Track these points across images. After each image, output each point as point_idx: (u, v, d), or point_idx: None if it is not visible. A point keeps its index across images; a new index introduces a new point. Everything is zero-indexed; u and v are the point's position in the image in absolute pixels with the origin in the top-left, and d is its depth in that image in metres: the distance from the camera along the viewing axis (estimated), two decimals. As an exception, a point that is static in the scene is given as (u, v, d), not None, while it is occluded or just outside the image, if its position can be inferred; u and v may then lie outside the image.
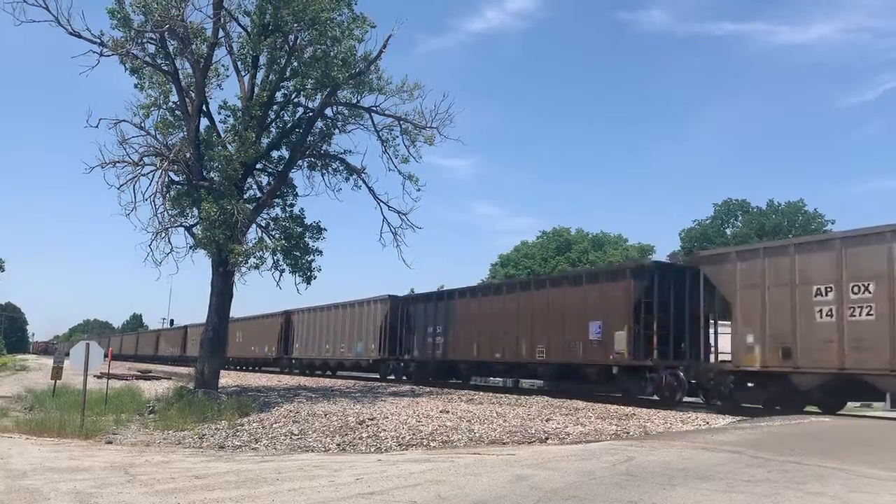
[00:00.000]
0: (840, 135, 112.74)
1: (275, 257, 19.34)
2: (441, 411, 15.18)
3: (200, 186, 17.84)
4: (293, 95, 19.83)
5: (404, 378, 28.67)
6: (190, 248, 18.66)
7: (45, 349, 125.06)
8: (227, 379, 27.29)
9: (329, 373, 36.35)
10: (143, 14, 16.76)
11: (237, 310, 38.46)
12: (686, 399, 17.69)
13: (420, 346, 27.49)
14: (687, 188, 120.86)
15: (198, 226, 18.19)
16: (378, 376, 30.79)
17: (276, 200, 20.20)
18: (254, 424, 13.52)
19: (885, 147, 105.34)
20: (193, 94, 18.12)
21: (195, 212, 18.44)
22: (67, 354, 16.03)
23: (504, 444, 10.87)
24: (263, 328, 42.32)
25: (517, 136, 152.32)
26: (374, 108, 20.14)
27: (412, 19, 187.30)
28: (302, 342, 37.43)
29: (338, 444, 11.08)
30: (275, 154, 20.57)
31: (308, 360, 36.95)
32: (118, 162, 17.60)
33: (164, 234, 17.91)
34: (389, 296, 29.91)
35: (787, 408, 15.42)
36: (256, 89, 18.56)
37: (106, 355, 15.10)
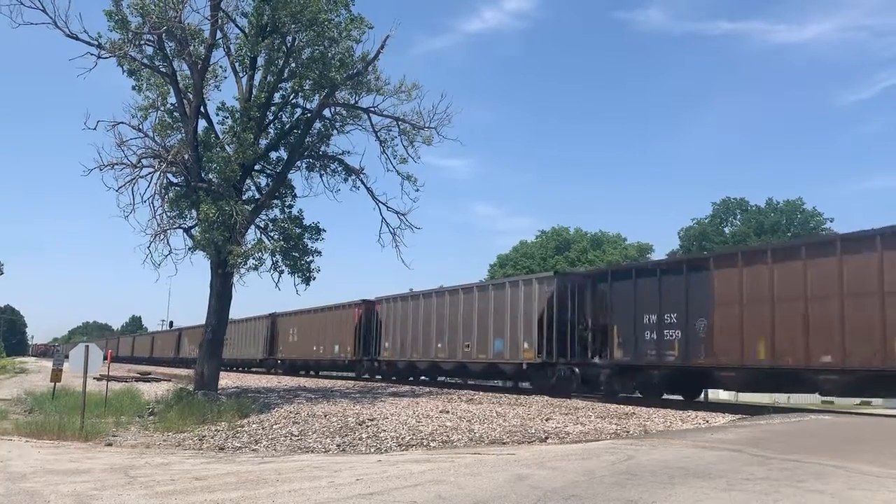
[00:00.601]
0: (838, 133, 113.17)
1: (274, 258, 19.33)
2: (441, 411, 15.18)
3: (199, 188, 17.84)
4: (291, 96, 19.81)
5: (587, 391, 20.10)
6: (189, 249, 18.64)
7: (44, 352, 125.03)
8: (227, 380, 27.28)
9: (435, 378, 28.71)
10: (141, 16, 16.77)
11: (293, 304, 36.76)
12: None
13: (627, 345, 18.77)
14: (685, 187, 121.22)
15: (196, 227, 18.18)
16: (530, 386, 22.66)
17: (275, 201, 20.19)
18: (254, 426, 13.52)
19: (884, 145, 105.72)
20: (191, 96, 18.12)
21: (194, 213, 18.42)
22: (67, 357, 16.02)
23: (504, 443, 10.87)
24: (330, 323, 34.14)
25: (515, 136, 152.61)
26: (373, 109, 20.13)
27: (410, 19, 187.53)
28: (394, 340, 29.13)
29: (338, 445, 11.08)
30: (273, 155, 20.57)
31: (406, 363, 28.60)
32: (116, 164, 17.60)
33: (162, 236, 17.89)
34: (555, 273, 22.80)
35: None
36: (254, 90, 18.55)
37: (105, 357, 15.08)
